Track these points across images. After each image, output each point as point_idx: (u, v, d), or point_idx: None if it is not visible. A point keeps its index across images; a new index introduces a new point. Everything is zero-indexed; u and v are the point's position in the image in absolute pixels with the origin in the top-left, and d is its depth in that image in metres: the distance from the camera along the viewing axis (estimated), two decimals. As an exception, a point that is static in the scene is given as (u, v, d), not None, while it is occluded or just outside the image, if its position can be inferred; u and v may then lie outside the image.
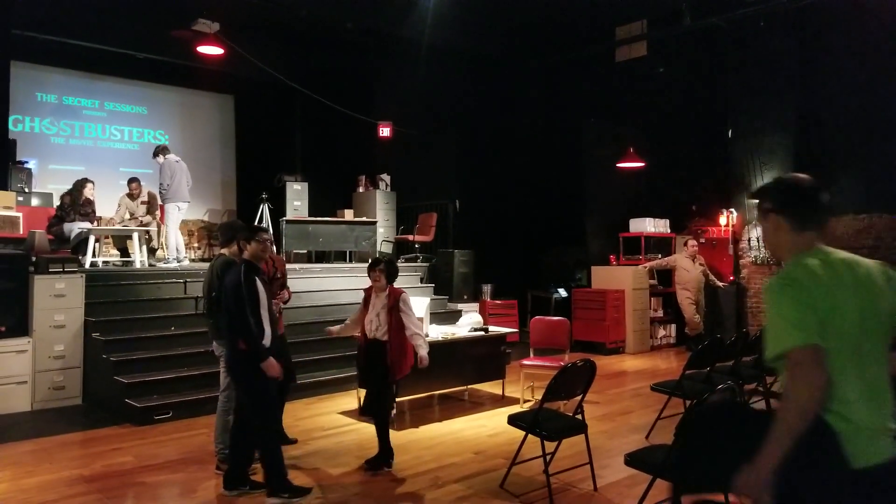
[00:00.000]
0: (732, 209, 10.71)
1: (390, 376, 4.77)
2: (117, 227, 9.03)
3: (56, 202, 9.04)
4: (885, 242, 9.37)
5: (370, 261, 5.08)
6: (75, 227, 8.34)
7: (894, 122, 9.09)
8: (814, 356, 1.90)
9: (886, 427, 1.96)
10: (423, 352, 4.79)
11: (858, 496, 1.91)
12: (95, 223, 8.67)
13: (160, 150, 8.97)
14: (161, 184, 8.83)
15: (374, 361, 4.82)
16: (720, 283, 10.20)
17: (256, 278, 4.10)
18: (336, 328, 5.23)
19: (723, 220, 10.76)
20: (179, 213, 8.89)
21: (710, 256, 10.52)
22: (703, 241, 10.72)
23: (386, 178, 12.14)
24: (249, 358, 4.01)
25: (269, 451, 4.07)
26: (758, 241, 10.41)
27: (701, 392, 3.64)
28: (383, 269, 4.89)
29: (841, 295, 1.99)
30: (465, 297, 10.22)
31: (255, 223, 10.10)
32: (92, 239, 8.18)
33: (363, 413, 5.07)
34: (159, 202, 9.13)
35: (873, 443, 1.93)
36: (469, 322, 7.11)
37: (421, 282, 10.29)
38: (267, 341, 4.06)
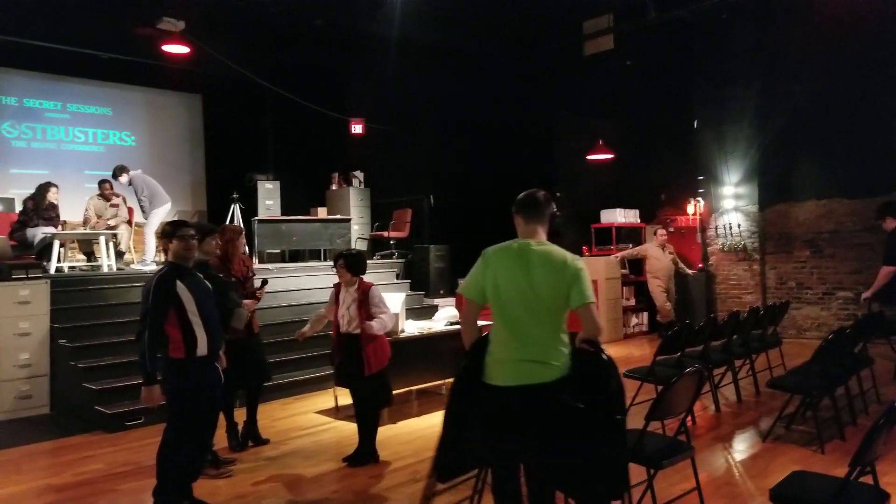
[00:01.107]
0: (700, 198, 10.90)
1: (367, 370, 4.75)
2: (83, 231, 8.89)
3: (18, 207, 8.86)
4: (844, 226, 9.63)
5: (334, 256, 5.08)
6: (39, 233, 8.13)
7: (853, 110, 9.34)
8: (467, 305, 3.05)
9: (516, 361, 2.87)
10: (375, 323, 4.70)
11: (490, 402, 2.91)
12: (60, 228, 8.52)
13: (120, 170, 8.90)
14: (140, 200, 8.80)
15: (350, 356, 4.82)
16: (689, 271, 10.38)
17: (178, 281, 3.76)
18: (305, 329, 5.18)
19: (690, 209, 10.94)
20: (168, 214, 8.94)
21: (679, 245, 10.70)
22: (672, 230, 10.90)
23: (359, 174, 12.11)
24: (181, 365, 3.76)
25: (168, 464, 3.80)
26: (725, 229, 10.62)
27: (671, 377, 3.72)
28: (343, 263, 4.87)
29: (503, 271, 2.96)
30: (442, 291, 10.27)
31: (227, 223, 10.04)
32: (56, 244, 8.01)
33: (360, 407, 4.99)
34: (143, 210, 9.06)
35: (501, 370, 2.90)
36: (445, 316, 7.14)
37: (397, 278, 10.30)
38: (203, 349, 3.79)
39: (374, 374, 4.78)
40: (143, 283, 7.77)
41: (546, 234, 3.11)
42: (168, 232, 3.92)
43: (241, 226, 6.50)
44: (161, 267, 4.14)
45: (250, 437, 5.31)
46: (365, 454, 4.83)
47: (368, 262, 10.30)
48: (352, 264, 4.88)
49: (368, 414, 4.88)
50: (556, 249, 3.01)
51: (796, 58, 9.79)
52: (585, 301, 2.91)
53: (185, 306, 3.74)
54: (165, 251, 3.98)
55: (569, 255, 2.99)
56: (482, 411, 2.93)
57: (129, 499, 4.38)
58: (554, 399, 2.84)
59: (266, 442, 5.36)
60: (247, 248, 9.80)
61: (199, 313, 3.78)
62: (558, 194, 3.16)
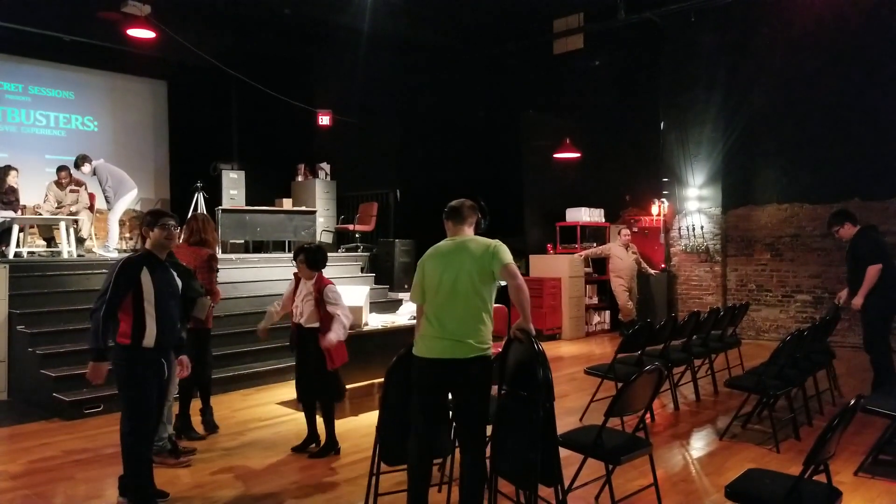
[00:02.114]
0: (664, 199, 11.09)
1: (330, 365, 4.77)
2: (43, 216, 8.69)
3: (-24, 190, 8.63)
4: (805, 231, 9.90)
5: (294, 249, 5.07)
6: (-2, 216, 7.99)
7: (814, 115, 9.60)
8: (416, 307, 3.64)
9: (436, 338, 3.38)
10: (332, 335, 4.68)
11: (420, 372, 3.44)
12: (19, 212, 8.33)
13: (83, 160, 8.74)
14: (104, 190, 8.65)
15: (303, 346, 4.85)
16: (652, 271, 10.56)
17: (145, 268, 3.70)
18: (263, 324, 5.17)
19: (654, 209, 11.12)
20: (133, 202, 8.91)
21: (643, 245, 10.88)
22: (636, 230, 11.07)
23: (326, 167, 12.03)
24: (126, 351, 3.68)
25: (132, 455, 3.71)
26: (688, 231, 10.83)
27: (631, 375, 3.80)
28: (303, 258, 4.83)
29: (429, 268, 3.50)
30: (406, 286, 10.25)
31: (190, 212, 9.89)
32: (16, 228, 7.85)
33: (300, 401, 5.05)
34: (107, 200, 8.87)
35: (424, 344, 3.43)
36: (409, 311, 7.14)
37: (361, 271, 10.27)
38: (150, 341, 3.67)
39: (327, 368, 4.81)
40: (104, 270, 7.70)
41: (473, 233, 3.59)
42: (150, 221, 3.85)
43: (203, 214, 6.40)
44: (134, 252, 4.06)
45: (206, 424, 5.37)
46: (326, 446, 4.86)
47: (333, 255, 10.31)
48: (312, 260, 4.85)
49: (322, 406, 4.89)
50: (477, 238, 3.53)
51: (760, 63, 10.05)
52: (504, 262, 3.36)
53: (144, 295, 3.67)
54: (144, 239, 3.90)
55: (489, 240, 3.47)
56: (411, 377, 3.50)
57: (87, 486, 4.32)
58: (465, 373, 3.33)
59: (215, 430, 5.35)
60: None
61: (156, 306, 3.71)
62: (482, 203, 3.52)
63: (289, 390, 6.68)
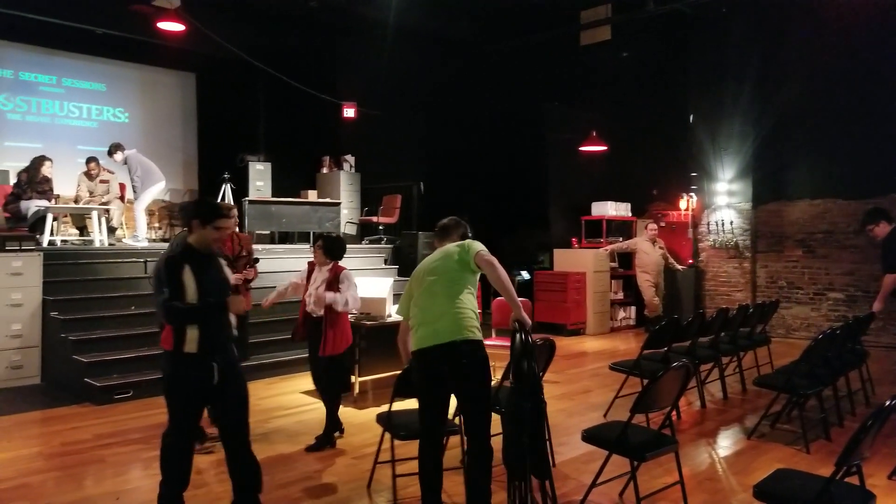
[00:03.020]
0: (692, 194, 10.94)
1: (322, 350, 4.80)
2: (76, 205, 8.87)
3: (13, 179, 8.83)
4: (838, 227, 9.69)
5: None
6: (32, 205, 8.17)
7: (850, 109, 9.38)
8: (402, 322, 3.74)
9: (427, 323, 3.47)
10: (330, 295, 4.74)
11: (417, 367, 3.52)
12: (53, 201, 8.50)
13: (115, 148, 8.88)
14: (132, 179, 8.80)
15: (311, 336, 4.90)
16: (679, 266, 10.43)
17: (187, 267, 3.36)
18: (271, 296, 5.29)
19: (683, 204, 10.98)
20: (161, 193, 9.04)
21: (670, 240, 10.75)
22: (663, 224, 10.94)
23: (350, 159, 12.08)
24: (168, 357, 3.40)
25: (162, 463, 3.50)
26: (717, 226, 10.68)
27: (657, 371, 3.76)
28: (321, 244, 4.90)
29: (414, 282, 3.66)
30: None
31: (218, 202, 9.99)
32: (50, 217, 8.01)
33: (316, 386, 5.11)
34: (134, 189, 9.02)
35: (417, 338, 3.49)
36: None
37: (385, 263, 10.31)
38: (192, 345, 3.34)
39: (331, 358, 4.81)
40: (134, 259, 7.83)
41: (451, 241, 3.74)
42: (204, 216, 3.45)
43: (232, 204, 6.47)
44: (174, 246, 4.05)
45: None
46: (323, 437, 4.89)
47: (357, 246, 10.37)
48: (329, 248, 4.90)
49: (327, 396, 4.92)
50: (455, 242, 3.67)
51: (793, 54, 9.83)
52: (476, 250, 3.48)
53: (186, 296, 3.35)
54: (190, 229, 3.51)
55: (465, 240, 3.64)
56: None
57: (115, 469, 4.42)
58: (456, 355, 3.41)
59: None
60: (240, 228, 9.84)
61: (199, 301, 3.39)
62: (467, 217, 3.75)
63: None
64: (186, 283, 3.34)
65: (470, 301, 3.53)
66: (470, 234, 3.75)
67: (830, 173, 9.71)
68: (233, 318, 3.61)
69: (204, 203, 3.58)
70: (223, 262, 3.66)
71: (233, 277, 5.03)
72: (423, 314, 3.51)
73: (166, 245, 8.40)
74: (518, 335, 3.35)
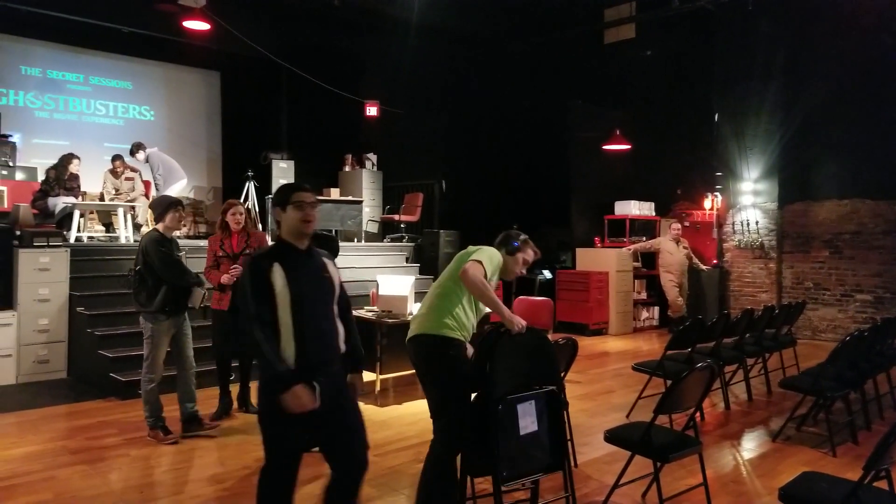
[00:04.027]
0: (717, 193, 10.81)
1: None
2: (102, 202, 9.00)
3: (40, 177, 8.98)
4: (866, 228, 9.52)
5: None
6: (60, 202, 8.30)
7: (879, 107, 9.20)
8: None
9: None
10: None
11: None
12: (80, 198, 8.64)
13: (137, 147, 9.06)
14: (155, 177, 8.99)
15: None
16: (703, 267, 10.30)
17: (277, 265, 2.76)
18: None
19: (707, 203, 10.85)
20: (182, 190, 9.11)
21: (694, 240, 10.63)
22: (687, 224, 10.82)
23: (372, 157, 12.11)
24: (269, 384, 2.76)
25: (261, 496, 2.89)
26: (742, 226, 10.54)
27: (681, 372, 3.71)
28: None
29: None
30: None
31: (241, 200, 10.08)
32: (77, 213, 8.14)
33: None
34: (156, 188, 9.16)
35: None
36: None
37: (406, 261, 10.32)
38: (288, 360, 2.73)
39: None
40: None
41: (500, 251, 3.62)
42: (278, 198, 2.92)
43: (238, 200, 6.41)
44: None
45: (243, 404, 5.54)
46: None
47: (378, 244, 10.39)
48: (322, 248, 4.80)
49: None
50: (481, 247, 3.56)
51: (821, 52, 9.66)
52: (469, 259, 3.40)
53: (276, 299, 2.73)
54: (278, 224, 2.93)
55: (481, 246, 3.55)
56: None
57: (140, 464, 4.46)
58: (410, 350, 3.46)
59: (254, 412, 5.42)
60: (262, 226, 9.92)
61: (294, 312, 2.74)
62: (516, 227, 4.04)
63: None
64: (275, 282, 2.73)
65: (448, 300, 3.42)
66: (516, 243, 3.63)
67: (859, 173, 9.53)
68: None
69: (279, 188, 3.02)
70: (328, 260, 3.01)
71: (224, 277, 5.15)
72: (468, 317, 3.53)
73: (191, 241, 8.53)
74: (492, 335, 3.30)
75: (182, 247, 5.14)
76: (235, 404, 5.58)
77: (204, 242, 6.58)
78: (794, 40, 9.90)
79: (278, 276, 2.74)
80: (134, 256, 4.95)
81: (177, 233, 5.30)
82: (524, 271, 3.73)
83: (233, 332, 5.19)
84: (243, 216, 5.43)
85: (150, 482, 4.20)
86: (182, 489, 4.05)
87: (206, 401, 5.74)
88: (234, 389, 5.61)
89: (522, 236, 3.68)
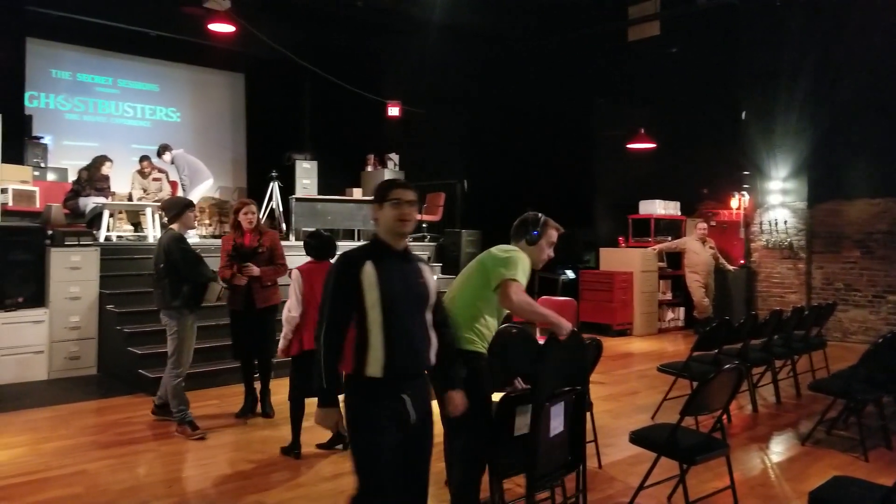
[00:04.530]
0: (744, 192, 10.66)
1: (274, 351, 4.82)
2: (132, 202, 9.15)
3: (71, 177, 9.16)
4: (898, 227, 9.31)
5: None
6: (90, 202, 8.47)
7: (911, 105, 9.00)
8: None
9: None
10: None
11: None
12: (110, 198, 8.79)
13: (164, 149, 9.25)
14: (181, 178, 9.12)
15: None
16: (730, 267, 10.16)
17: (369, 265, 2.57)
18: None
19: (734, 203, 10.70)
20: (208, 191, 9.28)
21: (721, 240, 10.49)
22: (714, 224, 10.68)
23: (394, 157, 12.15)
24: (349, 383, 2.62)
25: None
26: (770, 226, 10.37)
27: (707, 373, 3.66)
28: (311, 243, 4.68)
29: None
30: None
31: (265, 201, 10.19)
32: (106, 213, 8.29)
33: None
34: (183, 188, 9.28)
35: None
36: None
37: (428, 261, 10.33)
38: (376, 368, 2.55)
39: (297, 356, 4.53)
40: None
41: (520, 243, 3.38)
42: (376, 194, 2.71)
43: (250, 199, 6.39)
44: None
45: (262, 405, 5.52)
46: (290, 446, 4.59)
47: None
48: (318, 247, 4.66)
49: (292, 400, 4.59)
50: (504, 247, 3.33)
51: (851, 48, 9.46)
52: (501, 278, 3.15)
53: (365, 301, 2.55)
54: (376, 221, 2.72)
55: (508, 251, 3.27)
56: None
57: (168, 459, 4.53)
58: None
59: (269, 415, 5.42)
60: (287, 225, 9.99)
61: (384, 315, 2.54)
62: (530, 209, 3.38)
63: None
64: (365, 283, 2.54)
65: (469, 311, 3.21)
66: (536, 232, 3.33)
67: (891, 171, 9.32)
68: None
69: (379, 183, 2.82)
70: (424, 265, 2.80)
71: (236, 278, 5.19)
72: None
73: (216, 241, 8.62)
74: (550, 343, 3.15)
75: (205, 246, 5.22)
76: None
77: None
78: (823, 35, 9.71)
79: (370, 274, 2.55)
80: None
81: (199, 231, 5.40)
82: (552, 253, 3.47)
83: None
84: (255, 215, 5.50)
85: (178, 477, 4.26)
86: (208, 484, 4.09)
87: (232, 397, 5.82)
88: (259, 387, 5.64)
89: (541, 219, 3.38)
